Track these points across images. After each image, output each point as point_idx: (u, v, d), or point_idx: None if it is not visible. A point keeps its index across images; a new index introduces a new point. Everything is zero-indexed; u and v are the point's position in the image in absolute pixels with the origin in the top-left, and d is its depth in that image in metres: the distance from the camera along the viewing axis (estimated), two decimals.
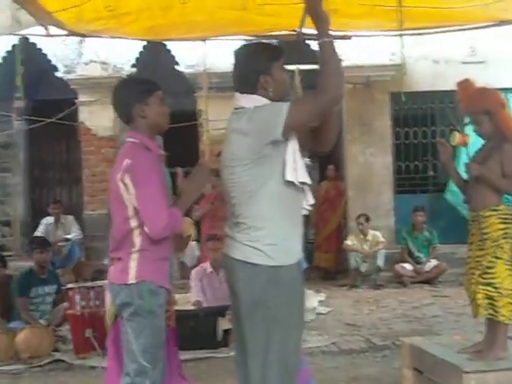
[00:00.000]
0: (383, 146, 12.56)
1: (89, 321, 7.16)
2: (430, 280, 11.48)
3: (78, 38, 11.27)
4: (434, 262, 11.64)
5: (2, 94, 12.70)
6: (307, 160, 3.65)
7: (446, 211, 11.77)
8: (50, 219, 12.14)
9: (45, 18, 6.08)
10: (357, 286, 11.41)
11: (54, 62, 13.49)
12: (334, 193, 12.90)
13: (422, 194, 12.79)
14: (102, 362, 6.21)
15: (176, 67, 13.35)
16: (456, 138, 5.22)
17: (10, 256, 12.25)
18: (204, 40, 7.70)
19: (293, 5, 5.84)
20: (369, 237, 11.67)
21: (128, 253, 3.79)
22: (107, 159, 12.94)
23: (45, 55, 13.39)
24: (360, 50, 11.35)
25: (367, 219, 11.67)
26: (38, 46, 13.06)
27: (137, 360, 3.74)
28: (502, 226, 4.92)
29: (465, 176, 5.19)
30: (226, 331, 7.26)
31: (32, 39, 11.91)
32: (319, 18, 3.50)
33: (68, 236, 11.97)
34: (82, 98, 13.35)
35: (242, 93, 3.60)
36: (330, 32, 3.49)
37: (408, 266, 11.65)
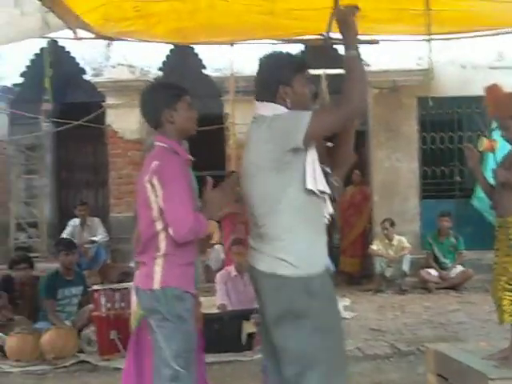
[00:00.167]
0: (410, 151, 12.49)
1: (114, 323, 7.17)
2: (455, 286, 11.38)
3: (105, 42, 11.33)
4: (459, 268, 11.55)
5: (31, 97, 12.79)
6: (327, 169, 3.62)
7: (473, 217, 11.65)
8: (76, 221, 12.19)
9: (73, 21, 6.14)
10: (382, 290, 11.36)
11: (81, 64, 13.62)
12: (360, 198, 12.87)
13: (448, 199, 12.69)
14: None
15: (203, 71, 13.39)
16: (483, 143, 5.20)
17: (37, 257, 12.27)
18: (231, 44, 7.74)
19: (320, 9, 5.85)
20: (394, 242, 11.62)
21: (153, 257, 3.78)
22: (134, 162, 13.05)
23: (73, 58, 13.52)
24: (387, 54, 11.29)
25: (392, 224, 11.63)
26: (67, 49, 13.21)
27: (169, 365, 3.71)
28: None
29: (492, 182, 5.15)
30: (251, 334, 7.27)
31: (60, 42, 11.98)
32: (348, 27, 3.46)
33: (94, 238, 11.99)
34: (109, 100, 13.46)
35: (261, 101, 3.58)
36: (358, 37, 3.46)
37: (433, 272, 11.57)
